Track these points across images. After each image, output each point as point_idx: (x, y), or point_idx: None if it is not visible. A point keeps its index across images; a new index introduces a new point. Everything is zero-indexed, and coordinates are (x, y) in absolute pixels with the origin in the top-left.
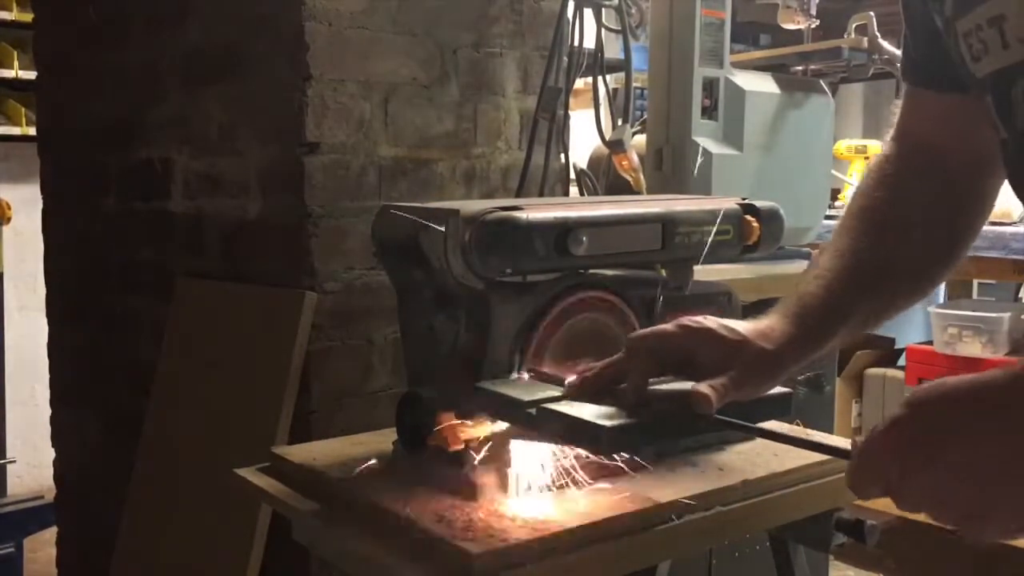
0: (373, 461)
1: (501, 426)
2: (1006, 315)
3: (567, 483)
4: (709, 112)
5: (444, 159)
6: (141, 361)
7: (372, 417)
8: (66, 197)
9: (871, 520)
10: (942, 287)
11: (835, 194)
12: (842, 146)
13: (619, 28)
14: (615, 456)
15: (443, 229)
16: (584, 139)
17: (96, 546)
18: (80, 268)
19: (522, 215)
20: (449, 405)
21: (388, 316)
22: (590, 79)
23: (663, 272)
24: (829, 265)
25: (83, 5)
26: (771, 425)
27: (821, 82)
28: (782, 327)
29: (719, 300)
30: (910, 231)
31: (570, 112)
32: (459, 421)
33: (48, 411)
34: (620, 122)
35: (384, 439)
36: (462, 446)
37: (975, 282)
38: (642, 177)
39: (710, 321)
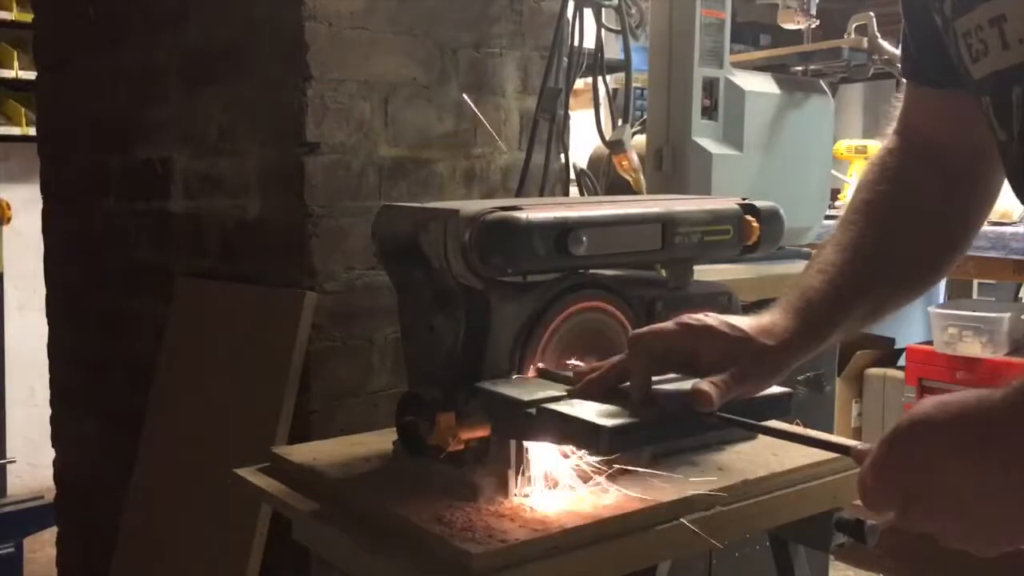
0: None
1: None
2: (1006, 315)
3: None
4: (709, 112)
5: (444, 159)
6: (141, 361)
7: (372, 417)
8: (66, 197)
9: (871, 520)
10: (942, 287)
11: (835, 194)
12: (842, 146)
13: (619, 28)
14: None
15: (443, 229)
16: (584, 139)
17: (96, 546)
18: (80, 268)
19: (522, 215)
20: (449, 405)
21: (388, 316)
22: (590, 79)
23: (663, 272)
24: (832, 259)
25: (83, 5)
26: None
27: (821, 82)
28: (785, 322)
29: (719, 300)
30: (913, 226)
31: (570, 112)
32: (459, 421)
33: (48, 411)
34: (620, 122)
35: (384, 439)
36: (462, 446)
37: (975, 282)
38: (642, 177)
39: (711, 318)
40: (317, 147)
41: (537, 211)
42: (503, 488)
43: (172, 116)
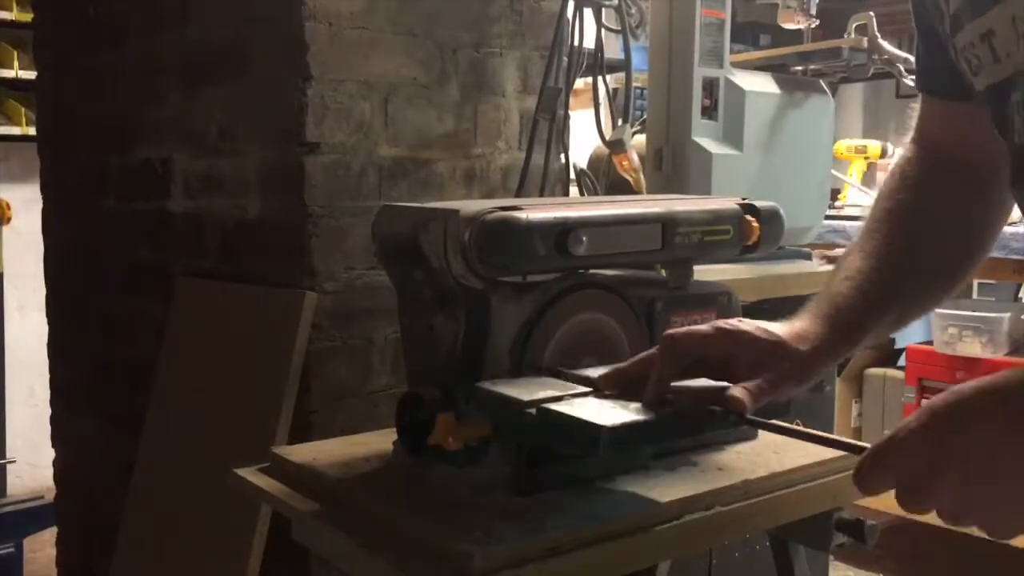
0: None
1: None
2: (1006, 315)
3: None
4: (709, 112)
5: (444, 159)
6: (141, 361)
7: (372, 417)
8: (66, 197)
9: (871, 520)
10: None
11: (835, 194)
12: (842, 146)
13: (619, 28)
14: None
15: (443, 229)
16: (584, 139)
17: (96, 546)
18: (80, 268)
19: (522, 215)
20: (449, 405)
21: (388, 316)
22: (590, 79)
23: (663, 272)
24: (858, 266)
25: (83, 5)
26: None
27: (821, 82)
28: (816, 329)
29: (719, 300)
30: (935, 232)
31: (570, 112)
32: (459, 421)
33: (48, 411)
34: (620, 122)
35: (384, 439)
36: (462, 446)
37: (975, 282)
38: (642, 177)
39: (746, 323)
40: (317, 147)
41: (537, 211)
42: (503, 488)
43: (172, 116)
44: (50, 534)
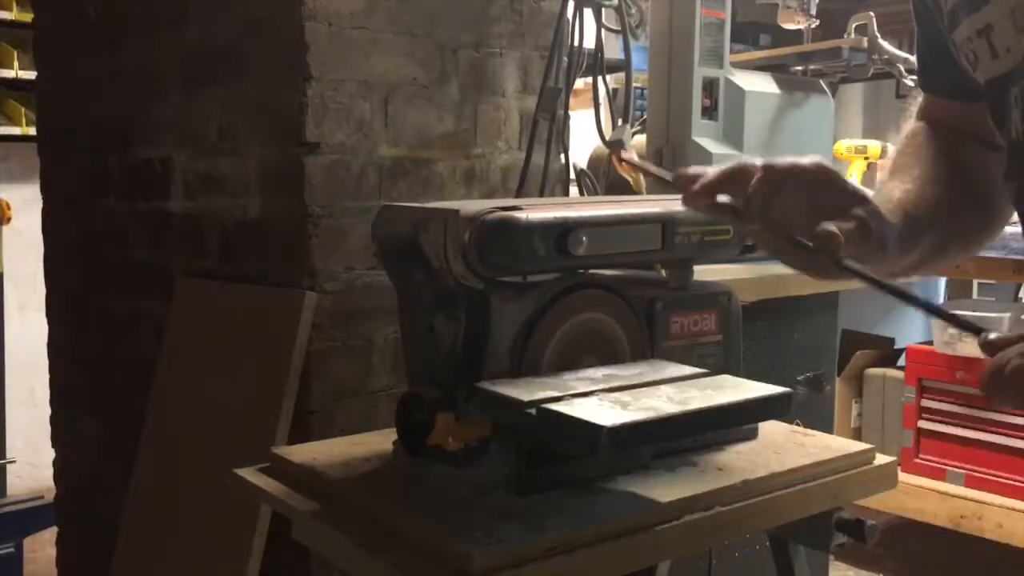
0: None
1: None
2: (1006, 315)
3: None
4: (709, 112)
5: (444, 159)
6: (141, 361)
7: (372, 417)
8: (66, 197)
9: (871, 520)
10: (941, 287)
11: None
12: (842, 146)
13: (619, 28)
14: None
15: (443, 229)
16: (584, 139)
17: (96, 546)
18: (80, 268)
19: (522, 215)
20: (449, 405)
21: (388, 316)
22: (590, 79)
23: (663, 272)
24: (894, 193)
25: (83, 5)
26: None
27: (821, 82)
28: (891, 215)
29: (719, 300)
30: (964, 170)
31: (570, 112)
32: (459, 421)
33: (48, 411)
34: (620, 122)
35: (384, 439)
36: (462, 446)
37: (975, 282)
38: (642, 177)
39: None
40: (317, 147)
41: (537, 211)
42: (503, 488)
43: (172, 116)
44: (50, 534)
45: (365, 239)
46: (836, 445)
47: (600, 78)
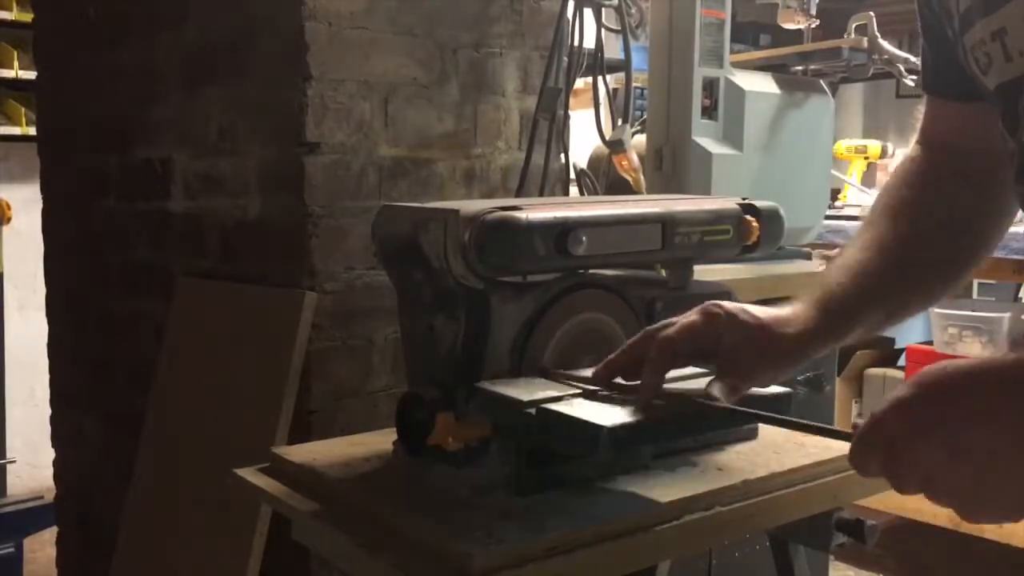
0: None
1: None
2: (1006, 315)
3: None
4: (709, 112)
5: (444, 159)
6: (141, 361)
7: (372, 417)
8: (66, 197)
9: (871, 520)
10: None
11: (835, 194)
12: (842, 146)
13: (619, 28)
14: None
15: (443, 229)
16: (584, 139)
17: (96, 546)
18: (80, 268)
19: (522, 215)
20: (449, 405)
21: (388, 316)
22: (590, 79)
23: (663, 272)
24: (857, 257)
25: (83, 5)
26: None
27: (821, 82)
28: (806, 313)
29: (719, 300)
30: (937, 228)
31: (570, 112)
32: (459, 421)
33: (48, 411)
34: (620, 122)
35: (384, 439)
36: (462, 446)
37: (975, 282)
38: (642, 177)
39: (732, 306)
40: (317, 147)
41: (537, 211)
42: (503, 488)
43: (172, 116)
44: (50, 534)
45: (365, 239)
46: (836, 445)
47: (600, 78)
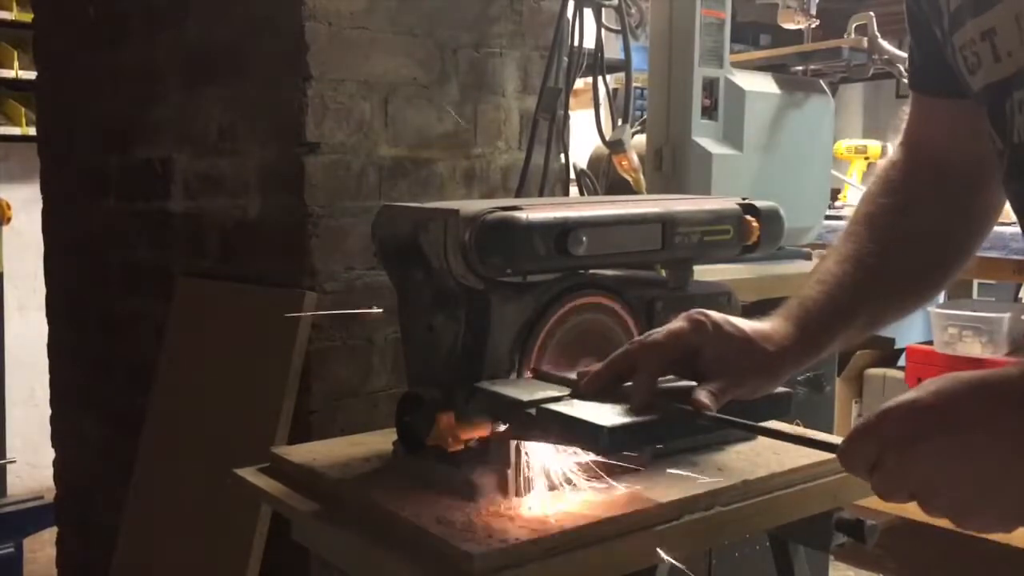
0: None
1: (501, 426)
2: (1006, 315)
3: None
4: (709, 112)
5: (444, 159)
6: (141, 361)
7: (372, 417)
8: (66, 197)
9: (871, 520)
10: None
11: (835, 194)
12: (842, 146)
13: (619, 28)
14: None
15: (443, 229)
16: (584, 139)
17: (96, 546)
18: (80, 268)
19: (522, 215)
20: (449, 405)
21: (388, 316)
22: (590, 79)
23: (663, 272)
24: (832, 270)
25: (83, 5)
26: (770, 424)
27: (821, 82)
28: (784, 329)
29: (719, 300)
30: (914, 239)
31: (570, 112)
32: (459, 421)
33: (48, 411)
34: (620, 122)
35: (384, 439)
36: (462, 446)
37: (975, 282)
38: (642, 177)
39: (716, 316)
40: (317, 147)
41: (537, 211)
42: (503, 488)
43: (172, 116)
44: (50, 534)
45: (365, 239)
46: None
47: (600, 78)
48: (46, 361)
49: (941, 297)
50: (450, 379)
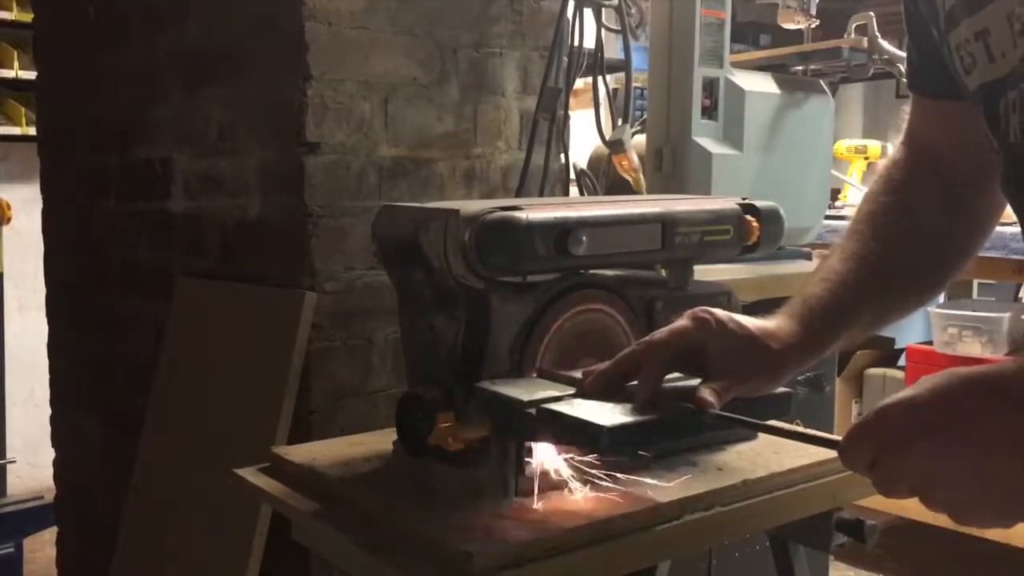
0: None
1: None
2: (1006, 315)
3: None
4: (709, 112)
5: (444, 159)
6: (141, 361)
7: (372, 417)
8: (66, 197)
9: (871, 520)
10: None
11: (835, 194)
12: (842, 146)
13: (619, 28)
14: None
15: (443, 229)
16: (584, 139)
17: (96, 546)
18: (80, 268)
19: (522, 215)
20: (449, 405)
21: (388, 316)
22: (590, 79)
23: (663, 272)
24: (836, 268)
25: (83, 5)
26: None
27: (821, 82)
28: (788, 327)
29: (719, 300)
30: (916, 238)
31: (570, 112)
32: (459, 421)
33: (48, 411)
34: (620, 122)
35: (384, 439)
36: (462, 446)
37: (975, 282)
38: (642, 177)
39: (720, 313)
40: (317, 147)
41: (537, 211)
42: (503, 488)
43: (172, 116)
44: (50, 534)
45: (365, 239)
46: None
47: (600, 78)
48: (46, 361)
49: (941, 297)
50: (450, 379)
